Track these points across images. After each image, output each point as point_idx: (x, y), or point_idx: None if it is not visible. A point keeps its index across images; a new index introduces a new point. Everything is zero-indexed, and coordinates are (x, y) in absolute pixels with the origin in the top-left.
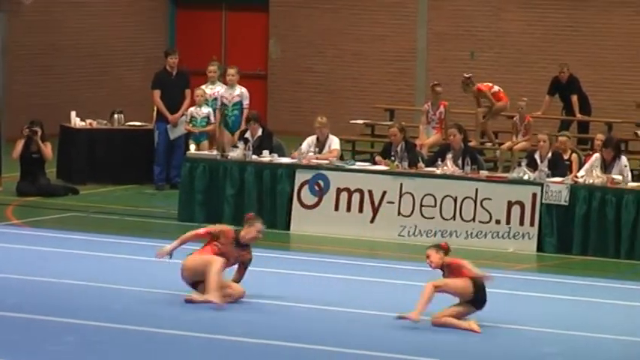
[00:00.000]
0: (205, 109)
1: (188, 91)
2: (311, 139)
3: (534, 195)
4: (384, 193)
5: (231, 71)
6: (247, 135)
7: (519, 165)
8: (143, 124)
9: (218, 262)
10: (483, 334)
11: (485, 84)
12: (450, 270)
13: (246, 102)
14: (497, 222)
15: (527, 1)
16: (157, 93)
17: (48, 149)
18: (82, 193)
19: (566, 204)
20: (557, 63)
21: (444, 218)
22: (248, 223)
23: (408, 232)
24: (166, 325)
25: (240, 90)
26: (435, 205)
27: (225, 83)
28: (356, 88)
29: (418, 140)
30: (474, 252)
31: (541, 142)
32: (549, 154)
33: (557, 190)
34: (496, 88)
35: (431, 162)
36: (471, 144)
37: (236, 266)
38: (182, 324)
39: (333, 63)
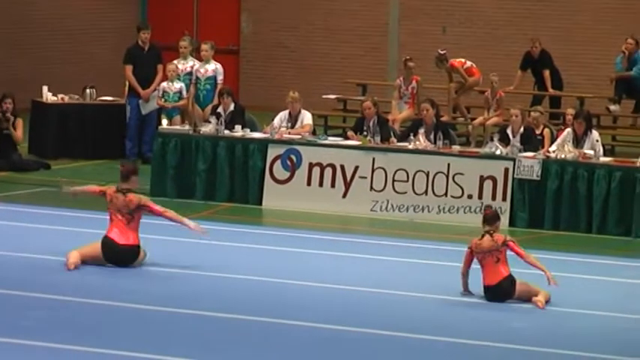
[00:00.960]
0: (177, 84)
1: (160, 66)
2: (283, 114)
3: (506, 170)
4: (357, 168)
5: (205, 47)
6: (219, 110)
7: (491, 140)
8: (115, 99)
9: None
10: (452, 309)
11: (458, 60)
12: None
13: (220, 77)
14: (470, 197)
15: None
16: (129, 68)
17: (19, 131)
18: (53, 168)
19: (538, 179)
20: (528, 38)
21: (416, 193)
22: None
23: (381, 206)
24: (138, 299)
25: (215, 65)
26: (408, 180)
27: (198, 58)
28: (328, 63)
29: (390, 115)
30: (446, 227)
31: (513, 117)
32: (521, 129)
33: (529, 164)
34: (468, 63)
35: (403, 137)
36: (444, 119)
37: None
38: (152, 298)
39: (305, 38)
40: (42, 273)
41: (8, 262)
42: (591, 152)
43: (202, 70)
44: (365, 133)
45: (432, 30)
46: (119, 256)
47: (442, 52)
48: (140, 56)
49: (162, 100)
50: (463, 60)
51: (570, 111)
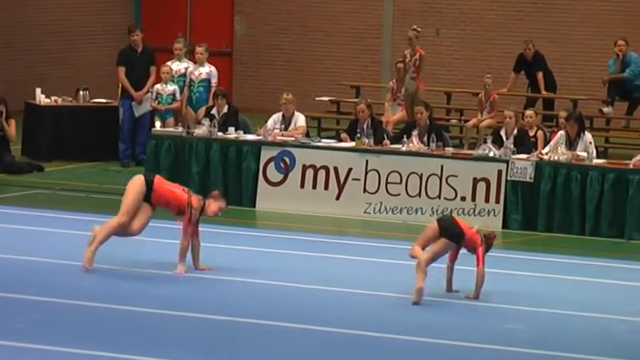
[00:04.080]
0: (171, 87)
1: (153, 68)
2: (277, 116)
3: (500, 172)
4: (350, 170)
5: (199, 49)
6: (213, 111)
7: (485, 142)
8: (108, 101)
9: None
10: (448, 310)
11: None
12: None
13: (214, 80)
14: (463, 199)
15: None
16: (122, 70)
17: (12, 129)
18: (47, 170)
19: (532, 181)
20: (522, 40)
21: (409, 195)
22: (215, 199)
23: (374, 209)
24: (132, 302)
25: (209, 68)
26: (401, 182)
27: (192, 60)
28: (322, 65)
29: (384, 117)
30: None
31: (507, 119)
32: (515, 131)
33: (523, 166)
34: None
35: (396, 139)
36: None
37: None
38: (147, 300)
39: (298, 40)
40: (35, 275)
41: (1, 264)
42: (584, 154)
43: (196, 73)
44: (358, 135)
45: (425, 32)
46: None
47: (416, 29)
48: (133, 58)
49: (156, 102)
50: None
51: (563, 114)
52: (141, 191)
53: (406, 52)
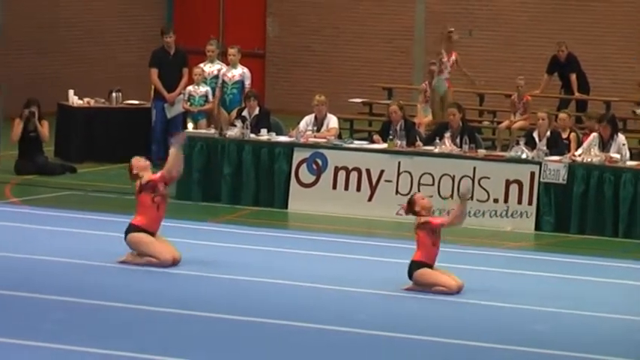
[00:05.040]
0: (203, 88)
1: (186, 70)
2: (309, 118)
3: (532, 174)
4: (382, 171)
5: (232, 51)
6: (245, 113)
7: (517, 144)
8: (141, 102)
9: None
10: (478, 311)
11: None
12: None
13: (247, 82)
14: (496, 201)
15: None
16: (155, 71)
17: (45, 129)
18: (79, 172)
19: (564, 182)
20: (554, 41)
21: (441, 197)
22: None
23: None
24: (154, 302)
25: (242, 70)
26: (433, 184)
27: (224, 62)
28: (354, 67)
29: (416, 119)
30: (471, 231)
31: (540, 121)
32: (548, 133)
33: (555, 168)
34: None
35: (429, 140)
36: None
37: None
38: (167, 301)
39: (331, 41)
40: (65, 276)
41: (32, 264)
42: (617, 156)
43: (229, 75)
44: (391, 136)
45: (458, 33)
46: None
47: (450, 30)
48: (166, 60)
49: (188, 103)
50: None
51: (590, 117)
52: (144, 237)
53: (424, 83)
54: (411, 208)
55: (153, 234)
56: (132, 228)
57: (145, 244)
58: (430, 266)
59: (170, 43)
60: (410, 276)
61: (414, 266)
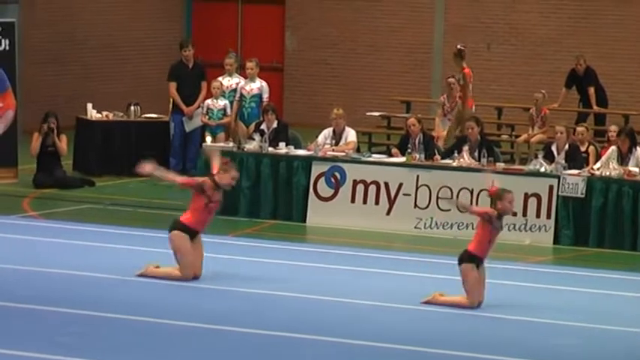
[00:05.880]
0: (222, 102)
1: (204, 84)
2: (327, 131)
3: (551, 187)
4: (401, 185)
5: (250, 64)
6: (263, 126)
7: (536, 157)
8: (159, 116)
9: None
10: (497, 325)
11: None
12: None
13: (266, 95)
14: (514, 214)
15: None
16: (173, 85)
17: (63, 144)
18: (97, 185)
19: (583, 196)
20: (573, 55)
21: (460, 210)
22: (223, 168)
23: (425, 224)
24: (174, 315)
25: (260, 83)
26: (452, 198)
27: (242, 75)
28: (372, 80)
29: (434, 132)
30: None
31: (558, 134)
32: (566, 147)
33: (574, 182)
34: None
35: (447, 154)
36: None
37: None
38: (185, 315)
39: (348, 55)
40: (82, 289)
41: (50, 278)
42: (636, 170)
43: (248, 88)
44: (409, 150)
45: (476, 47)
46: None
47: (460, 48)
48: (184, 73)
49: (206, 117)
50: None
51: (613, 128)
52: (186, 241)
53: (443, 96)
54: (496, 201)
55: (197, 232)
56: (178, 225)
57: (180, 252)
58: (480, 260)
59: (188, 57)
60: (459, 262)
61: (466, 256)
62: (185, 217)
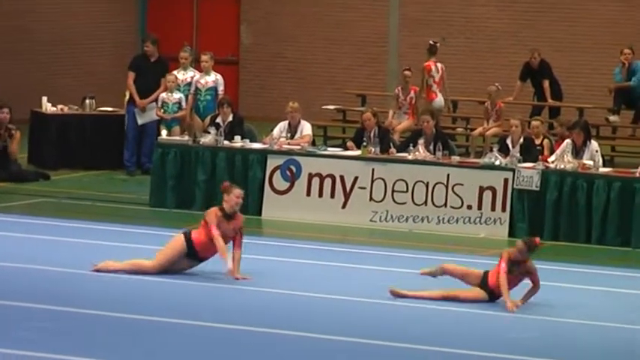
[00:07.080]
0: (177, 95)
1: (164, 80)
2: (283, 125)
3: (506, 180)
4: (356, 178)
5: (205, 57)
6: (218, 120)
7: (491, 150)
8: (114, 109)
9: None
10: (457, 319)
11: (429, 63)
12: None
13: (221, 88)
14: (469, 207)
15: None
16: (131, 75)
17: (14, 145)
18: (53, 179)
19: (538, 189)
20: (528, 48)
21: (415, 204)
22: (226, 192)
23: (380, 217)
24: (137, 310)
25: (215, 76)
26: (407, 191)
27: (197, 69)
28: (327, 74)
29: (387, 124)
30: (445, 237)
31: (513, 128)
32: (521, 140)
33: (529, 175)
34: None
35: (403, 147)
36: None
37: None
38: (154, 310)
39: (304, 48)
40: (41, 283)
41: (7, 272)
42: (590, 163)
43: (203, 81)
44: (365, 143)
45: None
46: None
47: (432, 43)
48: (145, 65)
49: (162, 110)
50: (436, 68)
51: (558, 125)
52: (181, 250)
53: (397, 89)
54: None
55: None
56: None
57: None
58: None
59: (149, 52)
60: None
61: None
62: (195, 235)
